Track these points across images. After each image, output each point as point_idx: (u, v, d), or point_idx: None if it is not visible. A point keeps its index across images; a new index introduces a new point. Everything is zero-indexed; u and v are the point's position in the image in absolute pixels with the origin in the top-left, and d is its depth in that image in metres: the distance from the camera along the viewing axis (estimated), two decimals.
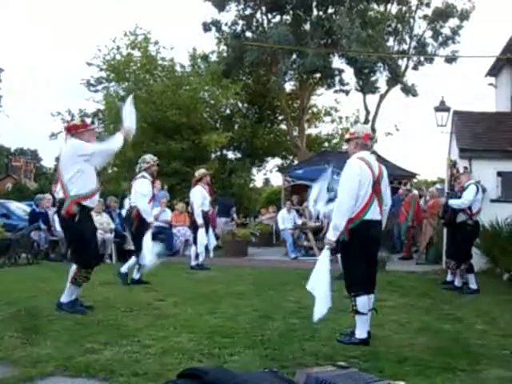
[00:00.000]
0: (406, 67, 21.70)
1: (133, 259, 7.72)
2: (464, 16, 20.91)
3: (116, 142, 5.77)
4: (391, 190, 5.36)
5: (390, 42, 21.96)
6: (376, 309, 4.74)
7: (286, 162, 25.78)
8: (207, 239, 9.94)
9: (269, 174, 28.61)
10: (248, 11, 22.52)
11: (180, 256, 12.51)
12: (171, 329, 4.84)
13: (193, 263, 10.00)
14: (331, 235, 4.49)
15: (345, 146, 5.13)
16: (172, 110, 18.41)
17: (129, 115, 6.07)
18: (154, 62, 20.20)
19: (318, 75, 22.87)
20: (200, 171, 10.46)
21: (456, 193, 8.23)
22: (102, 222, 10.96)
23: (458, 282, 7.93)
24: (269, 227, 16.13)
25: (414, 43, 21.81)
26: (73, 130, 5.62)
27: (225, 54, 22.46)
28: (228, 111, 22.58)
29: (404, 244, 12.97)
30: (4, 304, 5.80)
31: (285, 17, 22.43)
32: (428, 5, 21.42)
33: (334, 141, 26.29)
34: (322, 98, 35.88)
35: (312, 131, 26.70)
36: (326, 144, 26.34)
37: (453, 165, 10.12)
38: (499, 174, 10.45)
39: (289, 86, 24.44)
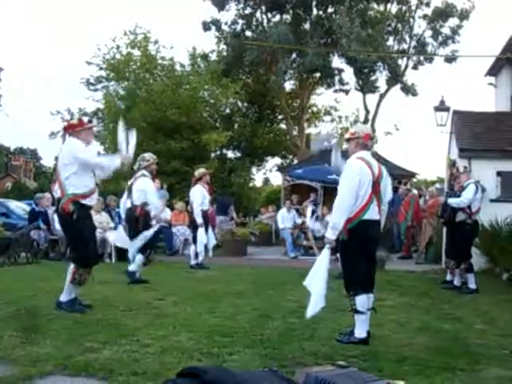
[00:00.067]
0: (406, 67, 21.73)
1: (139, 257, 7.76)
2: (464, 16, 20.93)
3: (111, 162, 5.69)
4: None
5: (390, 42, 22.01)
6: (375, 308, 4.74)
7: (285, 162, 25.81)
8: (207, 238, 9.94)
9: (268, 174, 28.68)
10: (248, 10, 22.56)
11: (179, 255, 12.52)
12: (170, 328, 4.84)
13: (192, 262, 10.00)
14: (330, 234, 4.50)
15: (345, 146, 5.13)
16: (172, 110, 18.42)
17: (124, 141, 5.88)
18: (153, 61, 20.21)
19: (317, 74, 22.89)
20: (200, 170, 10.46)
21: (455, 192, 8.23)
22: (102, 221, 10.97)
23: (457, 282, 7.94)
24: (268, 226, 16.13)
25: (413, 43, 21.84)
26: (70, 130, 5.62)
27: (224, 54, 22.48)
28: (228, 110, 22.59)
29: (403, 243, 12.98)
30: (3, 303, 5.80)
31: (285, 16, 22.45)
32: (428, 4, 21.46)
33: (334, 140, 26.29)
34: (322, 98, 35.89)
35: (312, 130, 26.77)
36: (326, 143, 26.31)
37: (452, 164, 10.13)
38: (499, 173, 10.46)
39: (288, 86, 24.50)
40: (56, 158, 5.85)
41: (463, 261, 7.73)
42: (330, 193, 12.60)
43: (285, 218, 13.56)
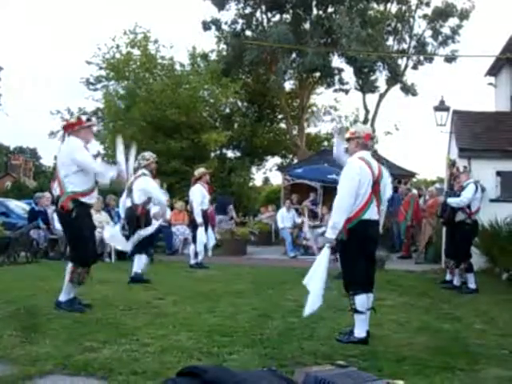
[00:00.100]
0: (406, 66, 21.73)
1: (142, 257, 7.79)
2: (464, 15, 20.93)
3: (106, 172, 5.61)
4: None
5: (390, 42, 22.01)
6: (375, 308, 4.74)
7: (285, 161, 25.81)
8: (206, 238, 9.94)
9: (268, 173, 28.67)
10: (248, 10, 22.55)
11: (179, 255, 12.52)
12: (170, 327, 4.84)
13: (192, 262, 10.00)
14: (330, 234, 4.50)
15: (345, 145, 5.13)
16: (171, 109, 18.42)
17: (124, 161, 5.87)
18: (153, 60, 20.21)
19: (317, 74, 22.88)
20: (199, 170, 10.47)
21: (455, 192, 8.23)
22: (101, 220, 10.96)
23: (456, 282, 7.94)
24: (268, 226, 16.13)
25: (413, 42, 21.84)
26: (69, 128, 5.62)
27: (224, 53, 22.48)
28: (227, 110, 22.59)
29: (403, 243, 12.97)
30: (3, 302, 5.79)
31: (284, 16, 22.45)
32: (428, 4, 21.45)
33: (334, 140, 26.27)
34: (322, 97, 35.87)
35: (311, 130, 26.77)
36: (326, 143, 26.33)
37: (452, 164, 10.13)
38: (498, 173, 10.46)
39: (288, 85, 24.50)
40: (56, 158, 5.84)
41: (463, 260, 7.73)
42: (329, 192, 12.61)
43: (284, 218, 13.56)
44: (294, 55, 21.62)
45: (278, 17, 22.47)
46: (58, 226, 9.25)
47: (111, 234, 7.38)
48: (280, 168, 23.04)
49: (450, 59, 21.02)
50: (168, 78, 19.81)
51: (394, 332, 4.97)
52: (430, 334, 4.91)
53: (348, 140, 4.92)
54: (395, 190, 12.57)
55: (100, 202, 10.89)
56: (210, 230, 10.37)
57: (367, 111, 23.04)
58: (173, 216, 13.23)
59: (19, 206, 15.79)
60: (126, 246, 7.57)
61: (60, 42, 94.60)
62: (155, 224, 8.09)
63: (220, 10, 22.30)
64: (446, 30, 21.23)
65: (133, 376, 3.45)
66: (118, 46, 20.22)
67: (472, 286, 7.66)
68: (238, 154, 23.93)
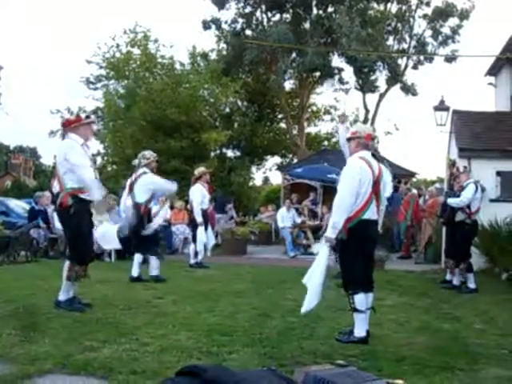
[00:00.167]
0: (406, 66, 21.70)
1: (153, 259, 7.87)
2: (464, 15, 20.90)
3: (93, 185, 5.46)
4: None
5: (390, 41, 21.96)
6: (374, 308, 4.74)
7: (285, 161, 25.78)
8: (206, 237, 9.94)
9: (268, 173, 28.62)
10: (248, 9, 22.50)
11: (179, 254, 12.52)
12: (170, 327, 4.84)
13: (192, 261, 10.00)
14: (330, 233, 4.50)
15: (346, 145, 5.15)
16: (171, 108, 18.40)
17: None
18: (153, 59, 20.20)
19: (317, 74, 22.86)
20: (199, 169, 10.46)
21: (455, 192, 8.24)
22: (102, 219, 10.91)
23: (456, 282, 7.94)
24: (268, 225, 16.13)
25: (413, 42, 21.80)
26: (68, 126, 5.61)
27: (224, 52, 22.45)
28: (227, 109, 22.55)
29: (403, 243, 12.97)
30: (3, 302, 5.80)
31: (285, 15, 22.41)
32: (428, 4, 21.41)
33: (334, 139, 26.29)
34: (322, 97, 35.84)
35: (311, 130, 26.75)
36: (326, 143, 26.36)
37: (452, 164, 10.13)
38: (498, 173, 10.46)
39: (288, 85, 24.45)
40: (55, 156, 5.84)
41: (462, 260, 7.74)
42: (329, 192, 12.63)
43: (284, 217, 13.56)
44: (293, 55, 21.59)
45: (278, 16, 22.43)
46: (57, 225, 9.24)
47: (102, 232, 7.35)
48: (280, 167, 23.02)
49: (450, 59, 20.99)
50: (168, 78, 19.79)
51: (393, 332, 4.97)
52: (429, 334, 4.91)
53: (349, 140, 4.93)
54: (395, 189, 12.58)
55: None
56: (209, 229, 10.37)
57: (367, 111, 23.04)
58: (173, 215, 13.22)
59: (19, 205, 15.80)
60: (117, 245, 7.51)
61: (60, 42, 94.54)
62: (156, 224, 8.09)
63: (220, 9, 22.27)
64: (446, 30, 21.20)
65: (132, 375, 3.45)
66: (118, 46, 20.23)
67: (472, 285, 7.67)
68: (238, 153, 23.90)
